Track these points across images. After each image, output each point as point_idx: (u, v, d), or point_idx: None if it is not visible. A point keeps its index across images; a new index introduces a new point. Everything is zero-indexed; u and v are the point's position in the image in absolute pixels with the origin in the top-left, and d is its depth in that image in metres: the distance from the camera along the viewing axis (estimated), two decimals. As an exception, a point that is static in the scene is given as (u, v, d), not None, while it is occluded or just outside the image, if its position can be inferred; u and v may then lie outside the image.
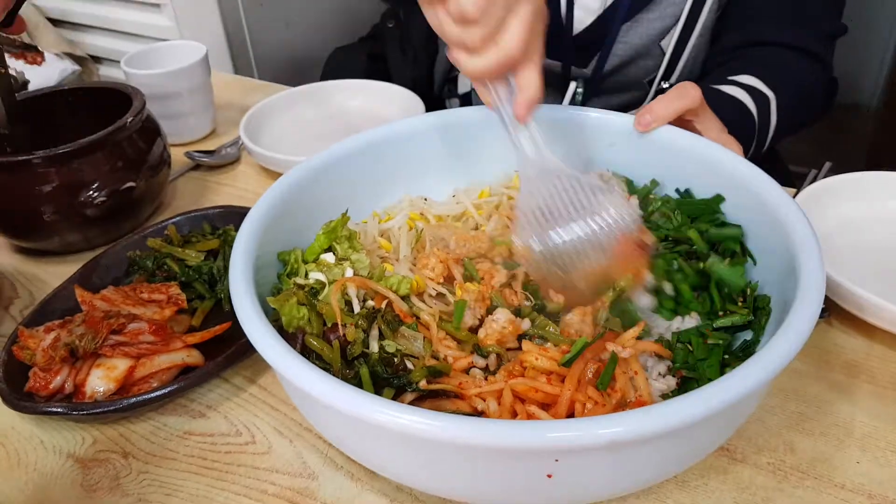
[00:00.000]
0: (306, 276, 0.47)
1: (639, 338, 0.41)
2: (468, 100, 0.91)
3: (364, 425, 0.33)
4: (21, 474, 0.45)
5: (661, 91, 0.78)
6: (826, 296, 0.36)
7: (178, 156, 0.79)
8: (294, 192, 0.49)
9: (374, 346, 0.42)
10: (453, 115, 0.56)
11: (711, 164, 0.49)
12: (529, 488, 0.33)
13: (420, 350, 0.41)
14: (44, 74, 0.98)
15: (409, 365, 0.41)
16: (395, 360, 0.41)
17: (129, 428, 0.47)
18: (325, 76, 1.02)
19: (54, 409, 0.44)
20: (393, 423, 0.31)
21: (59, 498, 0.43)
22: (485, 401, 0.38)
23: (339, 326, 0.42)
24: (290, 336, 0.43)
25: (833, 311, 0.51)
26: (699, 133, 0.52)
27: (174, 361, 0.48)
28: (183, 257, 0.57)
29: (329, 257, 0.48)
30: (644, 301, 0.45)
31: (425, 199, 0.56)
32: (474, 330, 0.43)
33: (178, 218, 0.62)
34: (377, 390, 0.40)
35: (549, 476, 0.32)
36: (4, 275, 0.63)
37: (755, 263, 0.46)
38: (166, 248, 0.58)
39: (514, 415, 0.38)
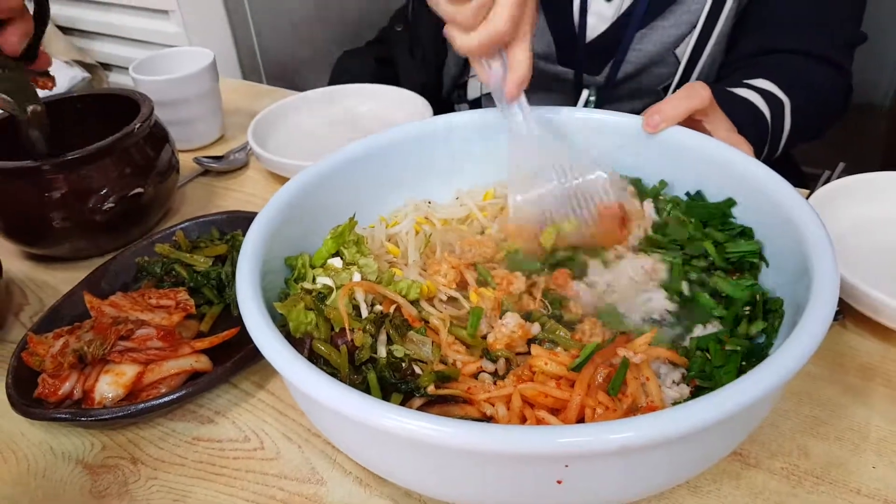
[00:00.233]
0: (314, 280, 0.47)
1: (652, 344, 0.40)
2: (478, 105, 0.91)
3: (372, 431, 0.32)
4: (30, 480, 0.45)
5: None
6: (840, 298, 0.36)
7: (186, 161, 0.79)
8: (301, 196, 0.49)
9: (382, 351, 0.41)
10: (457, 118, 0.56)
11: (722, 164, 0.48)
12: (539, 494, 0.33)
13: (429, 355, 0.41)
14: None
15: (417, 370, 0.41)
16: (403, 364, 0.41)
17: (137, 434, 0.47)
18: (333, 81, 1.02)
19: (63, 416, 0.44)
20: (401, 429, 0.30)
21: (68, 504, 0.43)
22: (493, 406, 0.38)
23: (347, 331, 0.42)
24: (298, 341, 0.42)
25: (847, 313, 0.51)
26: (709, 133, 0.51)
27: (182, 367, 0.48)
28: (191, 263, 0.57)
29: (337, 262, 0.48)
30: (661, 305, 0.45)
31: (429, 203, 0.56)
32: (484, 335, 0.43)
33: (186, 223, 0.62)
34: (385, 396, 0.40)
35: (559, 482, 0.31)
36: (14, 281, 0.63)
37: (767, 266, 0.46)
38: (174, 253, 0.58)
39: (523, 420, 0.37)
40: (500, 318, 0.43)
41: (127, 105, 0.67)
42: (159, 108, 0.70)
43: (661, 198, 0.52)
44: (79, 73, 1.05)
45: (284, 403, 0.49)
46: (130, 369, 0.47)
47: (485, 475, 0.33)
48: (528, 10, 0.45)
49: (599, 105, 0.80)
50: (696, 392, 0.40)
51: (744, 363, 0.40)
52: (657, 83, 0.79)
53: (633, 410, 0.37)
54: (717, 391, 0.31)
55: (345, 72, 1.04)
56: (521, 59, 0.46)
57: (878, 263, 0.54)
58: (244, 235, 0.44)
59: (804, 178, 0.86)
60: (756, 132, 0.63)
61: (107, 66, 1.29)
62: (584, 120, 0.54)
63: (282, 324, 0.43)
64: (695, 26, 0.74)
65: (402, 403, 0.39)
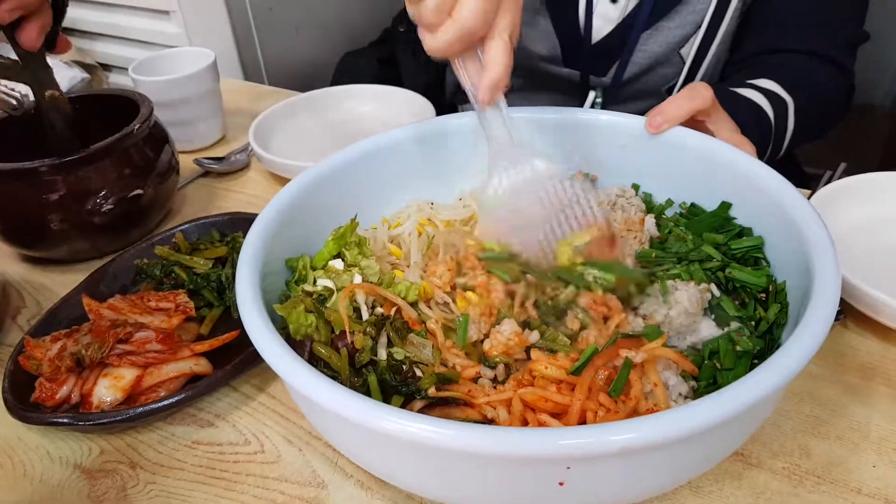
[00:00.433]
0: (314, 282, 0.46)
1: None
2: None
3: (373, 434, 0.32)
4: (27, 486, 0.44)
5: None
6: (841, 297, 0.35)
7: (187, 163, 0.79)
8: (302, 197, 0.48)
9: (383, 354, 0.41)
10: (460, 119, 0.56)
11: (724, 164, 0.48)
12: (540, 496, 0.33)
13: (429, 357, 0.41)
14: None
15: (418, 372, 0.41)
16: (404, 367, 0.41)
17: (136, 438, 0.47)
18: (335, 81, 1.02)
19: (60, 420, 0.44)
20: (402, 432, 0.30)
21: (65, 509, 0.42)
22: (495, 409, 0.38)
23: (348, 334, 0.41)
24: (298, 344, 0.42)
25: (848, 312, 0.51)
26: (711, 134, 0.51)
27: (182, 370, 0.48)
28: (191, 265, 0.57)
29: (338, 264, 0.48)
30: (709, 333, 0.43)
31: (431, 205, 0.56)
32: (480, 340, 0.43)
33: (186, 225, 0.62)
34: (386, 398, 0.39)
35: (561, 484, 0.31)
36: (11, 284, 0.63)
37: (769, 265, 0.46)
38: (174, 255, 0.58)
39: (524, 423, 0.37)
40: (497, 324, 0.42)
41: (126, 106, 0.67)
42: (159, 109, 0.69)
43: (663, 217, 0.51)
44: (78, 74, 1.05)
45: (285, 406, 0.49)
46: (129, 373, 0.46)
47: (486, 478, 0.33)
48: (506, 0, 0.40)
49: (605, 106, 0.80)
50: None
51: (755, 361, 0.40)
52: (662, 84, 0.79)
53: (635, 414, 0.37)
54: (718, 392, 0.30)
55: (347, 72, 1.04)
56: (495, 58, 0.40)
57: (879, 263, 0.54)
58: (245, 237, 0.44)
59: (806, 178, 0.86)
60: (759, 132, 0.62)
61: (107, 67, 1.28)
62: (587, 120, 0.54)
63: (282, 326, 0.42)
64: (699, 26, 0.73)
65: (403, 406, 0.39)
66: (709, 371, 0.40)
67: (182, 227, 0.61)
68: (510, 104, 0.57)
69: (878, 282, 0.47)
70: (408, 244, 0.52)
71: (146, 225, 0.68)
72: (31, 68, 0.58)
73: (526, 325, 0.43)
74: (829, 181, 0.61)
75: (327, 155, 0.51)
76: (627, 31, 0.75)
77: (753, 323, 0.42)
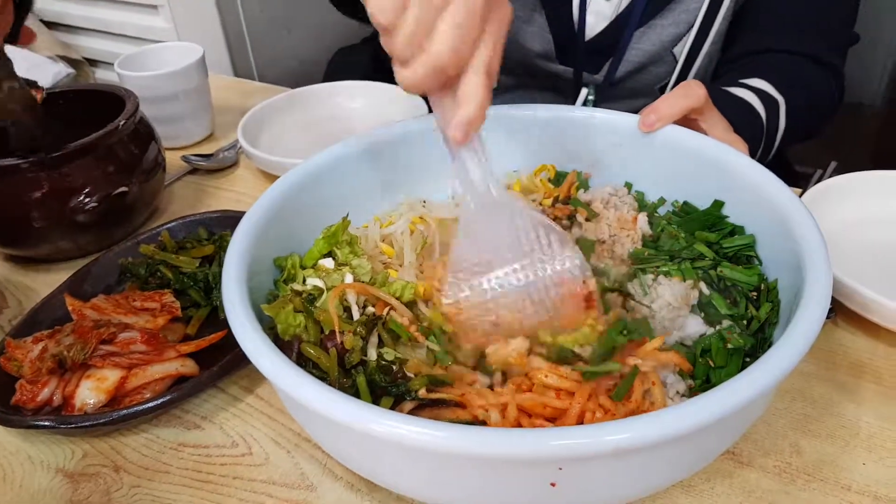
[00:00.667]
0: (304, 282, 0.46)
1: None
2: None
3: (361, 436, 0.32)
4: (7, 490, 0.43)
5: None
6: (832, 296, 0.35)
7: (174, 160, 0.78)
8: (290, 195, 0.47)
9: (373, 354, 0.41)
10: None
11: (717, 163, 0.48)
12: (532, 497, 0.32)
13: (423, 358, 0.40)
14: (37, 78, 0.97)
15: (409, 373, 0.40)
16: (394, 367, 0.40)
17: (120, 441, 0.46)
18: (327, 78, 1.01)
19: (42, 423, 0.43)
20: (390, 434, 0.30)
21: (47, 514, 0.42)
22: (487, 411, 0.37)
23: (337, 334, 0.41)
24: (286, 344, 0.41)
25: (839, 310, 0.51)
26: (704, 132, 0.51)
27: (168, 371, 0.47)
28: (177, 264, 0.56)
29: (328, 262, 0.47)
30: (695, 330, 0.42)
31: (423, 203, 0.55)
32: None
33: (172, 223, 0.61)
34: (375, 399, 0.39)
35: (553, 485, 0.31)
36: (-6, 283, 0.62)
37: (761, 263, 0.46)
38: (159, 254, 0.57)
39: (517, 426, 0.36)
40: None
41: (112, 101, 0.66)
42: (146, 105, 0.68)
43: (655, 215, 0.51)
44: (63, 69, 1.03)
45: (274, 408, 0.48)
46: (112, 374, 0.46)
47: (477, 479, 0.32)
48: (493, 26, 0.36)
49: (598, 104, 0.80)
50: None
51: (747, 359, 0.40)
52: (655, 82, 0.79)
53: (633, 415, 0.36)
54: (711, 391, 0.30)
55: (340, 69, 1.03)
56: (470, 93, 0.36)
57: (869, 261, 0.55)
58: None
59: (796, 177, 0.87)
60: (751, 132, 0.63)
61: (93, 63, 1.26)
62: (581, 119, 0.54)
63: (270, 326, 0.42)
64: (692, 26, 0.74)
65: (393, 407, 0.39)
66: (703, 369, 0.40)
67: (168, 226, 0.61)
68: (503, 101, 0.56)
69: (868, 280, 0.48)
70: (400, 243, 0.51)
71: (131, 223, 0.66)
72: None
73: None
74: (819, 180, 0.61)
75: (316, 152, 0.51)
76: (621, 28, 0.75)
77: (745, 322, 0.42)
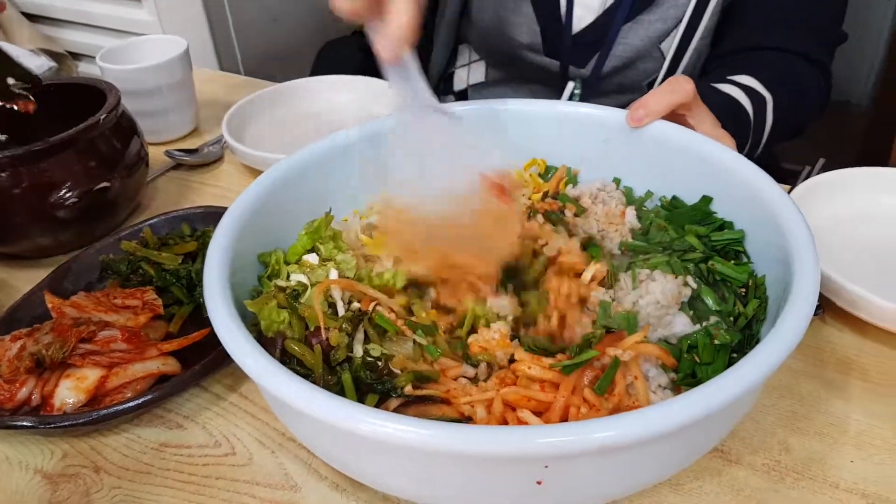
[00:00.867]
0: (287, 277, 0.45)
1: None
2: (464, 96, 0.89)
3: (345, 434, 0.31)
4: (-16, 492, 0.43)
5: None
6: (819, 292, 0.35)
7: (157, 155, 0.77)
8: (274, 190, 0.47)
9: (359, 350, 0.40)
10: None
11: (705, 159, 0.48)
12: (518, 495, 0.32)
13: (409, 353, 0.40)
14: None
15: (395, 370, 0.40)
16: (380, 364, 0.39)
17: (100, 441, 0.45)
18: (316, 71, 1.00)
19: (20, 423, 0.42)
20: (375, 433, 0.29)
21: (25, 516, 0.41)
22: (473, 407, 0.37)
23: (322, 330, 0.40)
24: (270, 341, 0.41)
25: (826, 307, 0.51)
26: (692, 128, 0.51)
27: (149, 370, 0.46)
28: (159, 261, 0.55)
29: (312, 258, 0.46)
30: (682, 329, 0.42)
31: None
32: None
33: (155, 219, 0.60)
34: (360, 397, 0.38)
35: (539, 483, 0.31)
36: (-28, 280, 0.61)
37: (749, 259, 0.46)
38: (141, 251, 0.56)
39: (503, 422, 0.36)
40: (489, 325, 0.41)
41: (94, 95, 0.65)
42: (128, 99, 0.67)
43: (643, 209, 0.51)
44: (45, 62, 1.01)
45: (257, 407, 0.47)
46: (92, 373, 0.45)
47: (464, 477, 0.32)
48: None
49: (584, 99, 0.80)
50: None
51: (734, 355, 0.40)
52: (642, 78, 0.79)
53: (617, 410, 0.36)
54: (698, 388, 0.30)
55: (329, 62, 1.02)
56: (397, 9, 0.37)
57: (856, 258, 0.55)
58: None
59: (784, 174, 0.87)
60: (738, 128, 0.63)
61: (76, 56, 1.24)
62: (568, 113, 0.53)
63: (253, 323, 0.41)
64: (680, 21, 0.73)
65: (379, 404, 0.38)
66: (688, 364, 0.40)
67: (151, 222, 0.59)
68: (491, 95, 0.56)
69: (855, 277, 0.48)
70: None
71: (113, 219, 0.65)
72: None
73: (514, 336, 0.41)
74: (807, 177, 0.62)
75: (302, 147, 0.50)
76: (608, 22, 0.75)
77: (732, 318, 0.42)
